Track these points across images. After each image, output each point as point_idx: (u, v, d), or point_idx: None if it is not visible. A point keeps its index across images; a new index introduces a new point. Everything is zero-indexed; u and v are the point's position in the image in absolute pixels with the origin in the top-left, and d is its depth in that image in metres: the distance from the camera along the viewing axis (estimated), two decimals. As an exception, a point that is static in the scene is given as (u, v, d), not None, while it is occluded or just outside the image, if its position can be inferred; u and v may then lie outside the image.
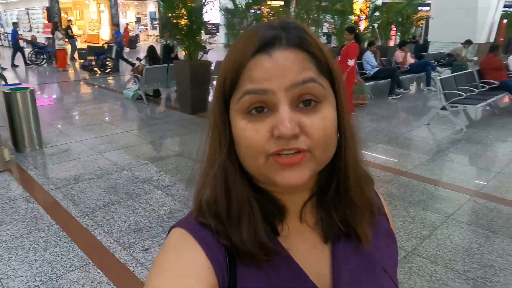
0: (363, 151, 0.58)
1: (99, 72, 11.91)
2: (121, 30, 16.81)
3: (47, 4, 20.88)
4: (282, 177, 0.48)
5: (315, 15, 9.11)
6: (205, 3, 7.02)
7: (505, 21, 15.17)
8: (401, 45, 9.79)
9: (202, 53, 8.35)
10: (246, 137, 0.48)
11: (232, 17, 7.67)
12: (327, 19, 10.13)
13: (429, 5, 14.75)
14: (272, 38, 0.48)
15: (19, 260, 2.72)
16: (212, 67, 8.35)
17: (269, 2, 12.24)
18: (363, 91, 7.49)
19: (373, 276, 0.57)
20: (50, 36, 19.35)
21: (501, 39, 15.46)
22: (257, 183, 0.54)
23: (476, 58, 12.52)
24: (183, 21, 6.60)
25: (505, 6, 15.29)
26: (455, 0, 13.16)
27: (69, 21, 17.80)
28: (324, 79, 0.49)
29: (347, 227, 0.56)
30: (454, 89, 6.42)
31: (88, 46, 12.94)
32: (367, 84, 8.00)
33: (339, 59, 6.82)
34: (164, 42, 8.80)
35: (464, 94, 6.11)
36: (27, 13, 23.70)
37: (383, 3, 11.43)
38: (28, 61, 13.87)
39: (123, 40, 15.06)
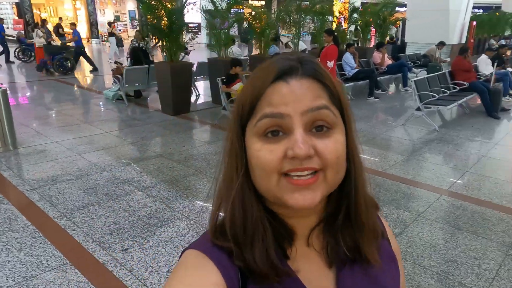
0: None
1: (55, 73, 11.34)
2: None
3: (17, 0, 20.41)
4: (294, 199, 0.51)
5: (296, 16, 9.21)
6: (186, 4, 7.03)
7: (474, 23, 15.66)
8: (378, 46, 10.03)
9: (183, 54, 8.35)
10: (260, 158, 0.51)
11: (213, 18, 7.68)
12: (307, 21, 10.28)
13: (405, 5, 15.10)
14: (289, 68, 0.52)
15: (-6, 261, 2.72)
16: (194, 68, 8.37)
17: (250, 2, 12.30)
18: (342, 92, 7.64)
19: None
20: (22, 32, 19.06)
21: (472, 40, 15.94)
22: (269, 206, 0.57)
23: (449, 59, 12.90)
24: (163, 22, 6.60)
25: (474, 8, 15.79)
26: (428, 2, 13.53)
27: (60, 19, 17.59)
28: (335, 108, 0.53)
29: (354, 252, 0.59)
30: (427, 90, 6.63)
31: (43, 45, 12.19)
32: (346, 85, 8.18)
33: (318, 60, 6.93)
34: (136, 44, 8.71)
35: (436, 95, 6.33)
36: (-5, 8, 23.09)
37: (362, 4, 11.65)
38: (14, 58, 13.67)
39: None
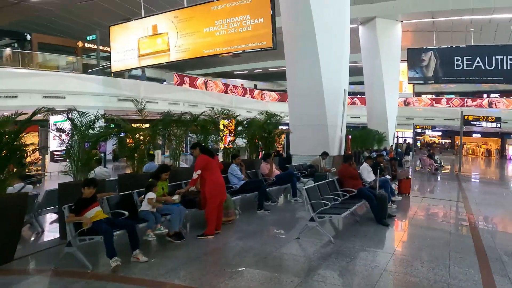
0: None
1: None
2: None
3: None
4: None
5: (176, 131, 8.72)
6: (26, 123, 5.67)
7: (349, 136, 17.25)
8: (265, 157, 9.87)
9: (22, 184, 6.72)
10: None
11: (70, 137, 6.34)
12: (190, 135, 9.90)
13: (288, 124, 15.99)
14: None
15: None
16: (40, 199, 6.77)
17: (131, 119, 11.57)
18: (229, 206, 6.85)
19: None
20: None
21: (349, 152, 17.34)
22: None
23: (334, 169, 13.47)
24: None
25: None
26: (307, 118, 14.55)
27: None
28: None
29: None
30: (319, 199, 6.24)
31: None
32: (233, 198, 7.44)
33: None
34: None
35: (329, 203, 5.91)
36: None
37: (247, 119, 11.89)
38: None
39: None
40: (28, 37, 23.30)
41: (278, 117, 12.77)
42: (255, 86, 39.55)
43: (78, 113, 6.31)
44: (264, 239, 6.03)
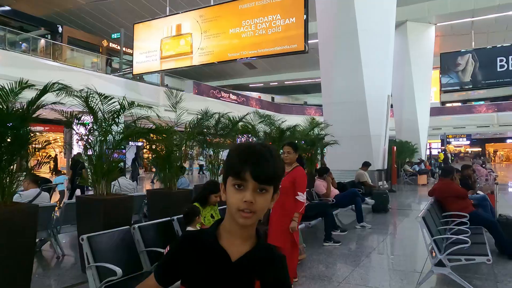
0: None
1: None
2: None
3: None
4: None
5: (214, 133, 6.93)
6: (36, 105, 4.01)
7: (395, 148, 15.31)
8: (321, 173, 7.91)
9: (38, 189, 5.14)
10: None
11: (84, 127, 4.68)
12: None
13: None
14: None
15: None
16: (57, 213, 5.19)
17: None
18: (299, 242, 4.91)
19: None
20: None
21: (395, 166, 15.41)
22: None
23: (386, 185, 11.61)
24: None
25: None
26: (346, 129, 12.77)
27: None
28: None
29: None
30: (436, 231, 4.27)
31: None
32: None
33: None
34: None
35: (468, 240, 3.89)
36: None
37: (287, 128, 9.99)
38: None
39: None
40: (60, 29, 22.50)
41: (322, 125, 10.88)
42: (273, 99, 37.92)
43: (99, 97, 4.48)
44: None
